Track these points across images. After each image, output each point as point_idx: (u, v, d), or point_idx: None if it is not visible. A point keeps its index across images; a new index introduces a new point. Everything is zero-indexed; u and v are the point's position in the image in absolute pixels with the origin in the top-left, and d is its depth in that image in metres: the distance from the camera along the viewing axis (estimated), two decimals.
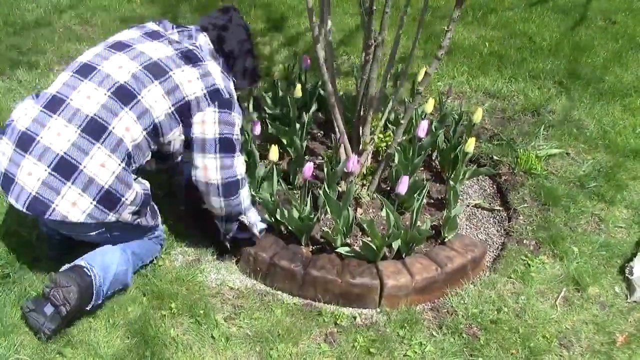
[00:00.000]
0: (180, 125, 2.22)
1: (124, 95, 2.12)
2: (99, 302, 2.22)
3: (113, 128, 2.10)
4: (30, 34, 4.11)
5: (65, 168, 2.06)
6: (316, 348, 2.24)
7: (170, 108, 2.18)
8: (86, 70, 2.18)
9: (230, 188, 2.28)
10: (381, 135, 2.85)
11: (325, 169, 2.66)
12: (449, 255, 2.52)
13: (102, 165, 2.08)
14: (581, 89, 3.81)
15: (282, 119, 3.04)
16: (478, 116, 2.80)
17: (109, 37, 2.33)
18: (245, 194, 2.37)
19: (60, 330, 2.18)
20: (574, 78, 3.90)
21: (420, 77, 2.86)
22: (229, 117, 2.24)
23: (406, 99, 3.20)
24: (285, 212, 2.49)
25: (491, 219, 2.92)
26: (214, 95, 2.22)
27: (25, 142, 2.11)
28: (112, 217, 2.13)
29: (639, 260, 2.59)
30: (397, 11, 2.72)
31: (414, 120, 2.99)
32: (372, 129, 2.77)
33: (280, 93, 3.15)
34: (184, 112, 2.20)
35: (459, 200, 2.77)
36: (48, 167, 2.06)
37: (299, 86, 2.90)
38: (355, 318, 2.39)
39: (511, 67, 3.99)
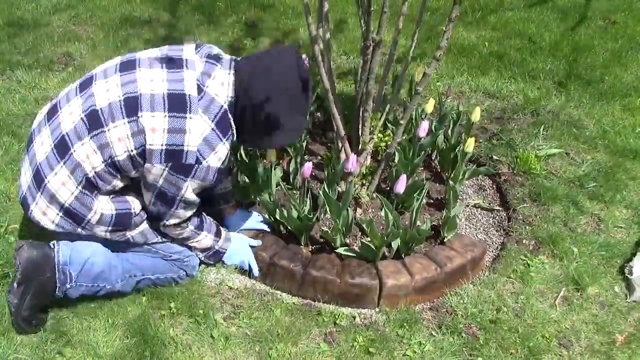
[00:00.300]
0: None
1: (94, 121, 2.01)
2: (69, 286, 2.16)
3: (74, 151, 2.02)
4: (30, 34, 4.11)
5: (38, 178, 2.08)
6: (315, 348, 2.24)
7: (132, 151, 2.00)
8: (85, 85, 2.11)
9: (153, 218, 2.19)
10: (381, 135, 2.85)
11: (324, 169, 2.66)
12: (449, 255, 2.52)
13: (62, 184, 2.05)
14: (581, 89, 3.81)
15: None
16: (476, 115, 2.80)
17: (119, 54, 2.21)
18: (173, 232, 2.24)
19: (36, 315, 2.17)
20: (573, 78, 3.90)
21: (418, 77, 2.86)
22: (179, 182, 2.02)
23: (405, 99, 3.20)
24: (285, 212, 2.50)
25: (491, 218, 2.92)
26: (171, 155, 1.97)
27: (28, 144, 2.21)
28: (82, 231, 2.13)
29: (638, 260, 2.59)
30: (396, 11, 2.72)
31: (413, 120, 2.99)
32: (372, 128, 2.78)
33: None
34: (143, 158, 2.01)
35: (458, 200, 2.77)
36: (31, 173, 2.12)
37: None
38: (354, 318, 2.39)
39: (511, 67, 3.99)
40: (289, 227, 2.57)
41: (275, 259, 2.44)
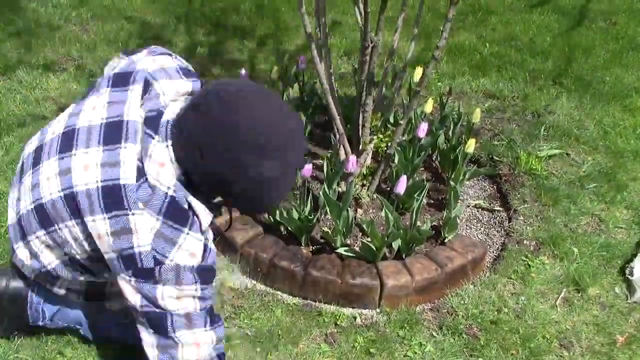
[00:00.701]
0: None
1: (43, 217, 1.70)
2: (42, 324, 2.04)
3: (31, 240, 1.77)
4: (31, 34, 4.11)
5: (18, 230, 1.82)
6: (316, 348, 2.24)
7: (88, 252, 1.70)
8: (35, 161, 1.77)
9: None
10: (381, 136, 2.85)
11: (324, 170, 2.66)
12: (449, 255, 2.52)
13: (26, 258, 1.84)
14: (581, 89, 3.81)
15: None
16: (476, 116, 2.80)
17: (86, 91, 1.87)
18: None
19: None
20: (574, 79, 3.90)
21: (417, 78, 2.87)
22: (151, 290, 1.60)
23: (404, 99, 3.20)
24: (285, 212, 2.50)
25: (491, 219, 2.92)
26: (126, 261, 1.59)
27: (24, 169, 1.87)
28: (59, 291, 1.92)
29: (639, 261, 2.58)
30: (395, 12, 2.73)
31: (413, 121, 2.99)
32: (372, 129, 2.78)
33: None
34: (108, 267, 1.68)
35: (459, 201, 2.77)
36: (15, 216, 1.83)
37: (296, 86, 2.90)
38: (355, 318, 2.39)
39: (511, 68, 3.99)
40: (289, 228, 2.57)
41: (276, 259, 2.44)
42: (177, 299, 1.62)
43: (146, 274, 1.59)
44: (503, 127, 3.43)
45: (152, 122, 1.62)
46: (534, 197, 2.97)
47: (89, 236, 1.64)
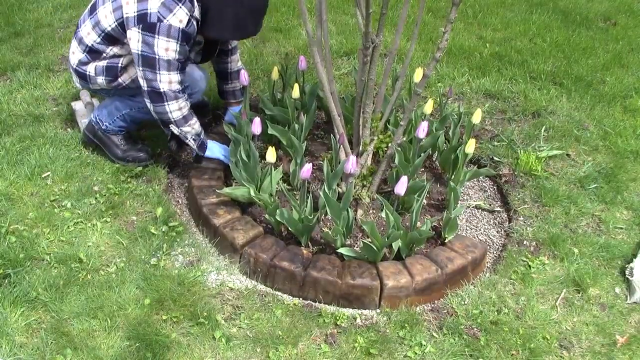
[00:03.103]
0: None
1: (92, 7, 2.78)
2: (102, 126, 2.98)
3: (79, 29, 2.81)
4: (31, 35, 4.11)
5: (75, 37, 2.88)
6: (316, 349, 2.24)
7: (115, 22, 2.66)
8: None
9: (153, 96, 2.66)
10: (381, 136, 2.85)
11: (325, 170, 2.66)
12: (449, 256, 2.52)
13: (72, 53, 2.86)
14: (582, 90, 3.81)
15: (282, 119, 3.05)
16: (477, 117, 2.80)
17: None
18: (173, 107, 2.68)
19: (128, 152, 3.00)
20: (574, 79, 3.91)
21: (417, 78, 2.87)
22: (149, 39, 2.55)
23: (405, 100, 3.20)
24: (285, 213, 2.50)
25: (491, 220, 2.92)
26: (141, 18, 2.55)
27: None
28: (91, 85, 2.87)
29: (639, 262, 2.59)
30: (396, 12, 2.73)
31: (413, 121, 2.99)
32: (372, 129, 2.78)
33: (278, 95, 3.15)
34: (124, 27, 2.63)
35: (459, 201, 2.77)
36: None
37: (296, 87, 2.90)
38: (355, 319, 2.39)
39: (511, 68, 3.99)
40: (289, 229, 2.57)
41: (276, 260, 2.44)
42: (165, 50, 2.57)
43: (150, 28, 2.54)
44: (503, 128, 3.43)
45: None
46: (534, 198, 2.97)
47: (118, 7, 2.62)
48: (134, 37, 2.58)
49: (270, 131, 2.93)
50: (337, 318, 2.36)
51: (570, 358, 2.28)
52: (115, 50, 2.75)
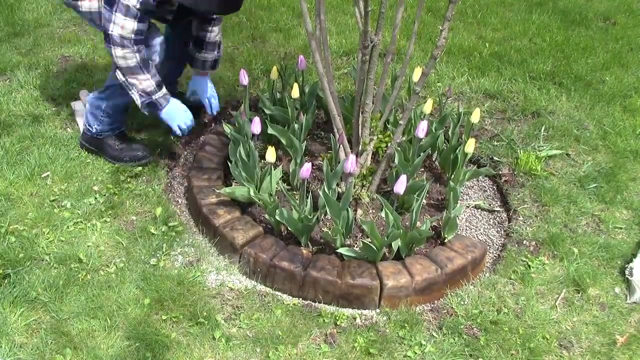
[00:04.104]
0: None
1: None
2: (92, 130, 2.99)
3: None
4: (31, 35, 4.11)
5: None
6: (316, 349, 2.24)
7: None
8: None
9: (104, 35, 2.66)
10: (381, 136, 2.85)
11: (324, 170, 2.66)
12: (449, 255, 2.52)
13: None
14: (581, 89, 3.81)
15: (281, 119, 3.04)
16: (476, 116, 2.80)
17: None
18: (117, 53, 2.64)
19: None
20: (574, 79, 3.90)
21: (417, 78, 2.87)
22: None
23: (404, 100, 3.20)
24: (285, 213, 2.50)
25: (491, 219, 2.92)
26: None
27: None
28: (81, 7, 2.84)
29: (638, 262, 2.59)
30: (394, 11, 2.74)
31: (413, 121, 2.99)
32: (372, 129, 2.78)
33: (278, 94, 3.15)
34: None
35: (459, 201, 2.77)
36: None
37: (296, 86, 2.90)
38: (355, 319, 2.39)
39: (511, 68, 3.99)
40: (289, 228, 2.57)
41: (276, 260, 2.44)
42: None
43: None
44: (503, 128, 3.43)
45: None
46: (533, 198, 2.97)
47: None
48: None
49: (269, 131, 2.93)
50: (337, 318, 2.36)
51: (570, 358, 2.28)
52: None
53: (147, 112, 2.82)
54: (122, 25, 2.59)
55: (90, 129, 2.99)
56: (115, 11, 2.57)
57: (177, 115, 2.86)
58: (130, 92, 2.75)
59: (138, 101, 2.77)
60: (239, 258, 2.55)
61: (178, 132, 2.89)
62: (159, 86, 2.76)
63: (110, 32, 2.61)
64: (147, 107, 2.79)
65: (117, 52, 2.64)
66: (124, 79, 2.72)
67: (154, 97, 2.76)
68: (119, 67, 2.69)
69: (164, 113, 2.83)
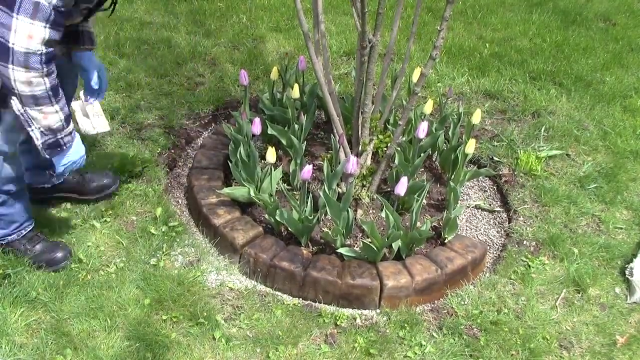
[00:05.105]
0: None
1: None
2: None
3: None
4: None
5: None
6: (316, 349, 2.24)
7: None
8: None
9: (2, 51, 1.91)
10: (381, 136, 2.85)
11: (325, 170, 2.66)
12: (449, 256, 2.52)
13: None
14: (581, 90, 3.81)
15: (281, 119, 3.05)
16: (477, 117, 2.80)
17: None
18: (18, 76, 1.92)
19: None
20: (574, 79, 3.91)
21: (416, 78, 2.87)
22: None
23: (404, 100, 3.20)
24: (285, 213, 2.50)
25: (491, 220, 2.92)
26: None
27: None
28: None
29: (639, 262, 2.59)
30: (393, 11, 2.74)
31: (413, 121, 3.00)
32: (371, 129, 2.78)
33: (278, 95, 3.15)
34: None
35: (459, 201, 2.77)
36: None
37: (296, 87, 2.90)
38: (355, 319, 2.39)
39: (511, 68, 3.99)
40: (289, 229, 2.57)
41: (276, 260, 2.44)
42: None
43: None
44: (503, 128, 3.43)
45: None
46: (534, 198, 2.97)
47: None
48: None
49: (270, 131, 2.93)
50: (337, 318, 2.36)
51: (570, 358, 2.28)
52: None
53: (48, 154, 2.15)
54: (30, 32, 1.87)
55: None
56: (18, 12, 1.85)
57: (74, 155, 2.23)
58: (28, 129, 2.08)
59: (38, 140, 2.10)
60: (239, 258, 2.55)
61: (63, 172, 2.27)
62: (67, 120, 2.12)
63: (9, 45, 1.88)
64: (49, 148, 2.13)
65: (19, 74, 1.92)
66: (22, 111, 2.03)
67: (59, 135, 2.12)
68: (19, 94, 1.98)
69: (68, 155, 2.19)
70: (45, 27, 1.89)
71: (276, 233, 2.64)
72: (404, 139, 2.90)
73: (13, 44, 1.87)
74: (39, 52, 1.91)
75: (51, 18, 1.89)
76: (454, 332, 2.33)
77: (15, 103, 2.04)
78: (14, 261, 2.44)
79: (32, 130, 2.08)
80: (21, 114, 2.05)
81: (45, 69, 1.96)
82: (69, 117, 2.14)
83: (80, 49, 2.38)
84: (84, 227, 2.65)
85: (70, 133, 2.17)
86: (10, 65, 1.91)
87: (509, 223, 2.88)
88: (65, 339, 2.19)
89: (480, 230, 2.86)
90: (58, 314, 2.28)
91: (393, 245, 2.51)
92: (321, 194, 2.53)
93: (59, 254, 2.45)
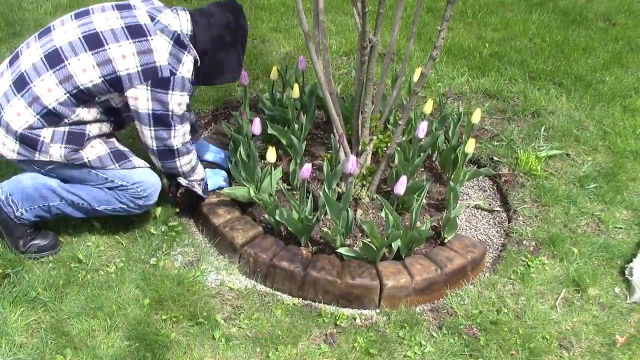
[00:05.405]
0: (116, 93, 2.30)
1: (53, 58, 2.24)
2: (20, 213, 2.42)
3: (33, 86, 2.23)
4: (31, 35, 4.11)
5: (11, 88, 2.28)
6: (316, 349, 2.24)
7: (100, 78, 2.23)
8: (45, 32, 2.35)
9: (164, 154, 2.44)
10: (380, 136, 2.85)
11: (324, 170, 2.66)
12: (449, 256, 2.52)
13: (17, 114, 2.24)
14: (581, 90, 3.81)
15: (281, 119, 3.05)
16: (476, 117, 2.80)
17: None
18: (184, 161, 2.49)
19: (29, 242, 2.48)
20: (574, 79, 3.91)
21: (416, 77, 2.87)
22: (163, 97, 2.27)
23: (404, 100, 3.20)
24: (285, 213, 2.50)
25: (491, 219, 2.92)
26: (148, 73, 2.24)
27: None
28: (39, 156, 2.29)
29: (638, 262, 2.59)
30: (394, 11, 2.74)
31: (413, 121, 3.00)
32: (371, 129, 2.78)
33: (278, 94, 3.15)
34: (115, 85, 2.26)
35: (459, 201, 2.77)
36: None
37: (296, 87, 2.90)
38: (355, 319, 2.39)
39: (511, 68, 3.99)
40: (289, 228, 2.57)
41: (276, 260, 2.44)
42: (179, 105, 2.31)
43: (163, 83, 2.25)
44: (503, 128, 3.43)
45: (160, 7, 2.40)
46: (533, 198, 2.97)
47: (106, 62, 2.22)
48: (142, 96, 2.26)
49: (270, 131, 2.93)
50: (337, 318, 2.36)
51: (569, 358, 2.28)
52: (81, 114, 2.28)
53: (207, 195, 2.67)
54: (183, 133, 2.43)
55: (12, 207, 2.42)
56: (174, 126, 2.36)
57: (214, 176, 2.74)
58: (193, 190, 2.61)
59: (199, 192, 2.62)
60: (238, 258, 2.55)
61: (227, 185, 2.76)
62: (199, 165, 2.62)
63: (175, 148, 2.41)
64: (205, 192, 2.66)
65: (184, 160, 2.50)
66: (187, 182, 2.58)
67: (205, 178, 2.65)
68: (183, 173, 2.54)
69: (210, 185, 2.70)
70: (188, 95, 2.35)
71: (276, 233, 2.64)
72: (403, 138, 2.90)
73: (176, 145, 2.41)
74: (188, 140, 2.46)
75: (190, 88, 2.34)
76: (454, 332, 2.33)
77: (181, 180, 2.57)
78: (14, 261, 2.44)
79: (195, 188, 2.60)
80: (187, 185, 2.58)
81: (193, 146, 2.54)
82: (198, 161, 2.63)
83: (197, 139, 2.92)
84: (83, 227, 2.65)
85: (201, 169, 2.64)
86: (176, 159, 2.46)
87: (508, 223, 2.88)
88: (65, 338, 2.19)
89: (480, 230, 2.86)
90: (58, 314, 2.28)
91: (393, 245, 2.51)
92: (321, 193, 2.53)
93: (49, 241, 2.52)
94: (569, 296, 2.52)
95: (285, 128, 2.94)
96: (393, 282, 2.39)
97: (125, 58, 2.22)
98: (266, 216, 2.62)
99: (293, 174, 2.84)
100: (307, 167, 2.40)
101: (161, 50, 2.25)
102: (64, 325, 2.24)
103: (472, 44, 4.27)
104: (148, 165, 2.49)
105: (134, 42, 2.24)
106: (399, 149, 2.77)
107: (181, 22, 2.35)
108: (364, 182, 2.77)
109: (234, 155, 2.78)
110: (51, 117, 2.25)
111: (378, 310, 2.43)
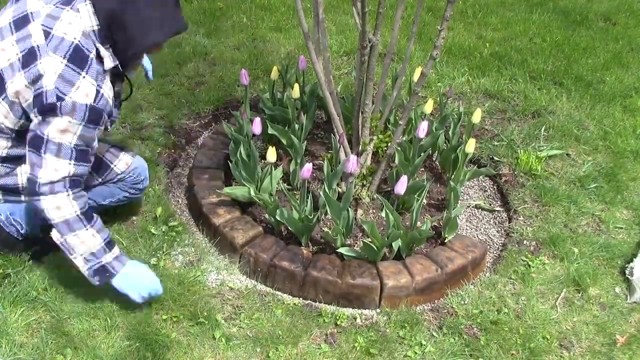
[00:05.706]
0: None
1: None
2: (24, 231, 2.37)
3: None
4: None
5: None
6: (316, 349, 2.24)
7: (16, 119, 2.09)
8: None
9: (29, 186, 2.07)
10: (381, 136, 2.85)
11: (325, 170, 2.66)
12: (449, 255, 2.52)
13: None
14: (582, 89, 3.81)
15: (282, 119, 3.05)
16: (477, 117, 2.80)
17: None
18: (48, 204, 2.05)
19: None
20: (574, 79, 3.90)
21: (416, 77, 2.87)
22: (50, 120, 1.99)
23: (404, 100, 3.20)
24: (285, 212, 2.50)
25: (491, 219, 2.92)
26: (36, 100, 2.00)
27: None
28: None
29: (639, 261, 2.59)
30: (394, 11, 2.74)
31: (413, 121, 3.00)
32: (372, 129, 2.78)
33: (278, 94, 3.15)
34: (29, 119, 2.07)
35: (459, 201, 2.77)
36: None
37: (296, 87, 2.90)
38: (355, 319, 2.39)
39: (511, 68, 3.99)
40: (289, 228, 2.57)
41: (276, 260, 2.44)
42: (61, 131, 1.99)
43: (50, 109, 1.97)
44: (503, 128, 3.43)
45: (64, 2, 2.06)
46: (534, 198, 2.97)
47: (12, 104, 2.05)
48: (34, 122, 2.03)
49: (270, 131, 2.93)
50: (337, 318, 2.36)
51: (570, 358, 2.28)
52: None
53: (98, 281, 2.18)
54: (56, 168, 2.03)
55: (16, 225, 2.36)
56: (44, 152, 2.01)
57: (137, 282, 2.23)
58: (70, 257, 2.14)
59: (83, 268, 2.15)
60: (239, 258, 2.55)
61: (139, 300, 2.23)
62: (108, 244, 2.16)
63: (37, 180, 2.03)
64: (96, 274, 2.16)
65: (48, 202, 2.05)
66: (61, 240, 2.11)
67: (104, 260, 2.16)
68: (55, 224, 2.08)
69: (117, 279, 2.19)
70: (79, 124, 2.01)
71: (276, 233, 2.64)
72: (404, 138, 2.90)
73: (49, 135, 2.00)
74: (71, 143, 2.02)
75: (86, 116, 2.01)
76: (454, 332, 2.33)
77: (54, 235, 2.11)
78: (14, 261, 2.44)
79: (75, 258, 2.14)
80: (61, 243, 2.12)
81: (71, 192, 2.07)
82: (112, 243, 2.19)
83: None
84: None
85: (117, 257, 2.19)
86: (42, 154, 2.02)
87: (509, 223, 2.88)
88: (65, 338, 2.19)
89: (480, 229, 2.86)
90: (58, 314, 2.28)
91: (393, 244, 2.51)
92: (321, 193, 2.54)
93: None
94: (569, 296, 2.52)
95: (286, 128, 2.94)
96: (393, 282, 2.39)
97: (20, 93, 2.03)
98: (266, 216, 2.62)
99: (293, 174, 2.84)
100: (308, 167, 2.40)
101: (49, 73, 1.98)
102: (65, 325, 2.24)
103: (473, 43, 4.27)
104: (130, 155, 2.48)
105: (24, 73, 2.01)
106: (399, 148, 2.77)
107: (83, 19, 2.03)
108: (365, 182, 2.77)
109: (234, 155, 2.78)
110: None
111: (378, 310, 2.43)
